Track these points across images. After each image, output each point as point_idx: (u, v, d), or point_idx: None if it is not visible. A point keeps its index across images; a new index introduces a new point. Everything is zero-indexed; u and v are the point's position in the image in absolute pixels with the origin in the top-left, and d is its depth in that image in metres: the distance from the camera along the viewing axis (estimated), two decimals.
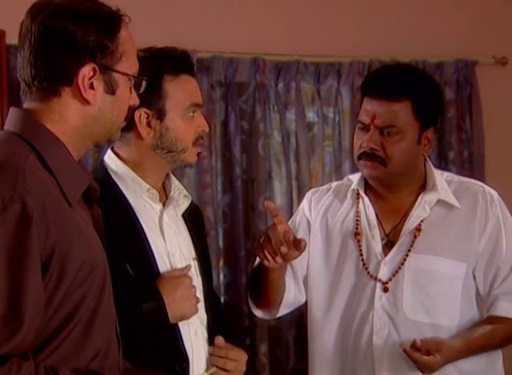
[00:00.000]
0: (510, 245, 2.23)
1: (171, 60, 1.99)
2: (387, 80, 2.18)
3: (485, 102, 4.10)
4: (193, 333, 1.98)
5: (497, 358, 2.29)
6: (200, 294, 2.03)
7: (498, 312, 2.20)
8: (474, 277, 2.22)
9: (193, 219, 2.13)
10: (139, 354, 1.85)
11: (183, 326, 1.96)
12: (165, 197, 2.06)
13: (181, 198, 2.05)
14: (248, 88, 3.83)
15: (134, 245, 1.93)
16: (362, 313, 2.22)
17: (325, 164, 3.96)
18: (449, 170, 3.99)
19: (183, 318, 1.93)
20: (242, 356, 2.03)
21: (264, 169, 3.84)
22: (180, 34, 3.56)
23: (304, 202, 2.40)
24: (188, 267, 1.97)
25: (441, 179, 2.27)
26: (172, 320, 1.90)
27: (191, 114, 2.00)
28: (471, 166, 4.08)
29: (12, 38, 3.38)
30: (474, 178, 3.98)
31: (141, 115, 1.96)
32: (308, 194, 2.42)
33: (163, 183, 2.07)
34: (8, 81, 3.41)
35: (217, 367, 1.97)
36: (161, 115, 1.97)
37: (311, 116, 3.97)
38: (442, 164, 4.03)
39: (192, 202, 2.15)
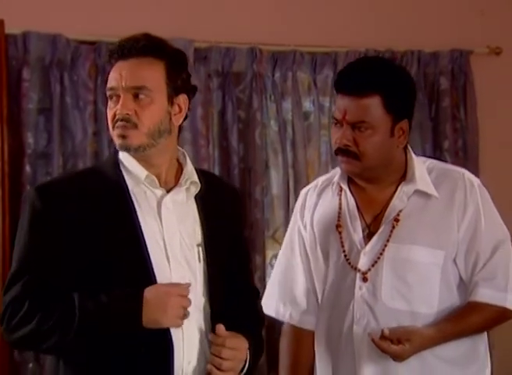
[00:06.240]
0: (489, 232, 2.25)
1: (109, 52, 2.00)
2: (355, 76, 2.19)
3: (480, 92, 4.14)
4: (186, 320, 1.95)
5: (480, 343, 2.32)
6: (200, 280, 2.01)
7: (477, 297, 2.23)
8: (456, 264, 2.26)
9: (211, 201, 2.08)
10: (120, 337, 1.86)
11: None
12: (174, 182, 2.05)
13: (187, 184, 2.04)
14: (245, 78, 3.86)
15: (122, 230, 1.93)
16: (344, 303, 2.26)
17: (321, 153, 4.00)
18: (444, 159, 4.03)
19: (156, 323, 1.87)
20: (242, 345, 1.98)
21: (261, 158, 3.87)
22: (178, 24, 3.59)
23: (297, 208, 2.44)
24: (187, 284, 1.94)
25: (422, 168, 2.29)
26: (145, 323, 1.86)
27: (109, 99, 2.02)
28: (465, 154, 4.12)
29: (10, 28, 3.40)
30: (468, 166, 4.06)
31: None
32: (300, 197, 2.46)
33: (181, 169, 2.07)
34: (8, 70, 3.42)
35: (213, 355, 1.95)
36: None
37: (307, 105, 4.01)
38: (437, 153, 4.08)
39: (224, 184, 2.21)
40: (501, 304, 2.23)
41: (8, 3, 3.46)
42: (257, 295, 2.21)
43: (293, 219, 2.45)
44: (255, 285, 2.26)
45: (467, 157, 4.11)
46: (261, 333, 2.16)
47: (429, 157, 2.45)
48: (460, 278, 2.27)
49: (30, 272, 1.89)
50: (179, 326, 1.92)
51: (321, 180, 2.44)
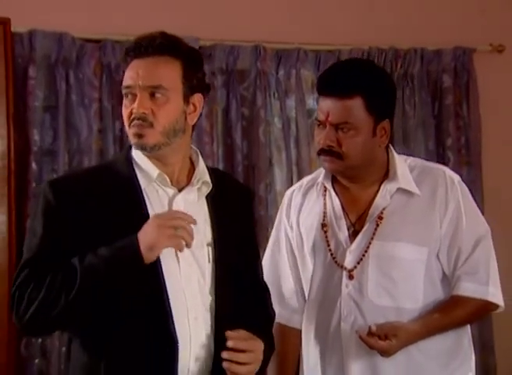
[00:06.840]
0: (469, 227, 2.29)
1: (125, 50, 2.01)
2: (337, 78, 2.24)
3: (482, 89, 4.15)
4: (193, 319, 1.96)
5: (464, 336, 2.36)
6: (208, 280, 2.01)
7: (460, 291, 2.28)
8: (439, 260, 2.29)
9: (222, 201, 2.09)
10: (126, 334, 1.90)
11: (178, 310, 1.94)
12: (186, 181, 2.06)
13: (199, 184, 2.05)
14: (249, 75, 3.89)
15: (133, 228, 1.92)
16: (332, 301, 2.30)
17: None
18: (447, 156, 4.07)
19: (152, 247, 1.87)
20: (258, 346, 1.98)
21: (265, 156, 3.90)
22: (183, 22, 3.61)
23: (283, 208, 2.48)
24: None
25: (403, 166, 2.33)
26: (144, 256, 1.86)
27: (125, 97, 2.00)
28: (468, 152, 4.13)
29: (17, 26, 3.43)
30: (471, 164, 4.08)
31: None
32: (285, 197, 2.50)
33: (193, 168, 2.08)
34: (14, 68, 3.45)
35: (230, 361, 1.92)
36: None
37: (310, 102, 4.03)
38: (440, 150, 4.09)
39: (236, 184, 2.23)
40: (483, 297, 2.28)
41: (15, 2, 3.49)
42: (267, 292, 2.22)
43: (278, 219, 2.49)
44: (265, 283, 2.26)
45: (469, 154, 4.12)
46: (272, 330, 2.16)
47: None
48: (443, 273, 2.31)
49: (38, 262, 1.91)
50: (177, 247, 1.91)
51: (305, 180, 2.49)
